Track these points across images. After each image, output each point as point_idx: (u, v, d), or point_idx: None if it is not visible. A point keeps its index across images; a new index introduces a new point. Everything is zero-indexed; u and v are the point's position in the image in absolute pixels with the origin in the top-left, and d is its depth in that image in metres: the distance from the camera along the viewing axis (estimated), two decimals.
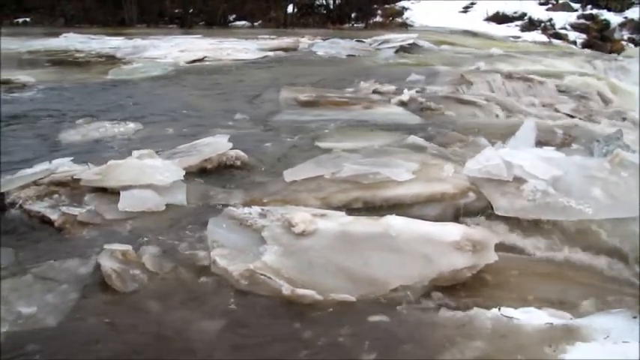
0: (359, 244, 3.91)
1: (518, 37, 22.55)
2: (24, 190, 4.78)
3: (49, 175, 5.00)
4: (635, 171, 5.01)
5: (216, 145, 5.81)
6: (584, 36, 23.45)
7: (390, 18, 26.84)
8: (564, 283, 3.80)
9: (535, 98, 9.71)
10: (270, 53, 14.87)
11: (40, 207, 4.57)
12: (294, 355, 3.01)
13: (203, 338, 3.13)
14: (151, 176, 4.88)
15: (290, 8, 26.72)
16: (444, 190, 4.80)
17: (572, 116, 8.70)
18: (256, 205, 4.49)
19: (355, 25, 26.59)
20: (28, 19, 25.68)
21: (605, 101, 10.30)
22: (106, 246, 3.83)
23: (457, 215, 4.69)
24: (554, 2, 26.57)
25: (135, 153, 5.36)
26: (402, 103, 8.41)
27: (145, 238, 4.14)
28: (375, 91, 9.15)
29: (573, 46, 21.77)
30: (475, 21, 25.24)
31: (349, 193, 4.76)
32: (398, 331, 3.21)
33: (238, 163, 5.68)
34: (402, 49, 15.42)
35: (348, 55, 14.66)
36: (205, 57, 13.59)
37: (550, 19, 24.75)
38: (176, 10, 26.78)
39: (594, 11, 25.19)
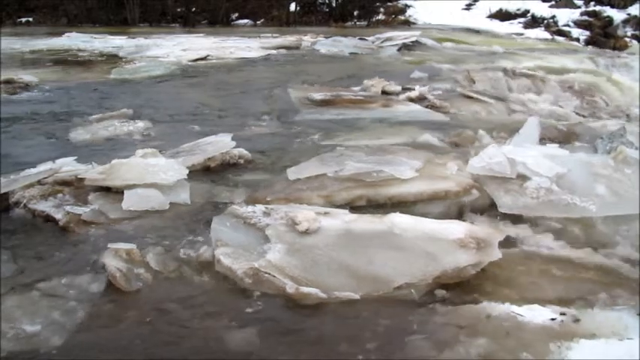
0: (363, 242, 3.91)
1: (522, 35, 22.49)
2: (28, 189, 4.78)
3: (53, 174, 5.01)
4: (638, 168, 5.01)
5: (220, 144, 5.82)
6: (587, 33, 23.36)
7: (393, 16, 26.79)
8: (568, 280, 3.79)
9: (538, 95, 9.70)
10: (273, 51, 14.86)
11: (45, 206, 4.58)
12: (298, 354, 3.01)
13: (209, 337, 3.14)
14: (154, 175, 4.89)
15: (292, 6, 26.69)
16: (447, 187, 4.81)
17: (575, 113, 8.70)
18: (260, 204, 4.50)
19: (358, 23, 26.56)
20: (30, 19, 25.69)
21: (609, 98, 10.27)
22: (110, 245, 3.83)
23: (461, 213, 4.69)
24: None
25: (139, 152, 5.37)
26: (412, 100, 8.42)
27: (149, 237, 4.15)
28: (384, 91, 9.13)
29: (576, 43, 21.71)
30: (478, 18, 25.17)
31: (353, 191, 4.76)
32: (402, 328, 3.21)
33: (242, 161, 5.70)
34: (405, 47, 15.41)
35: (351, 53, 14.65)
36: (208, 56, 13.58)
37: (553, 16, 24.68)
38: (178, 9, 26.77)
39: (597, 8, 25.11)
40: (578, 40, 22.64)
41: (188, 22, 25.42)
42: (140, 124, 7.23)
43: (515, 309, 3.34)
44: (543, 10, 25.35)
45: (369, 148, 5.90)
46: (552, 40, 21.74)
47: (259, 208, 4.37)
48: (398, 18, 26.48)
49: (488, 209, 4.73)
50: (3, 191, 4.76)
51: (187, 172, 5.05)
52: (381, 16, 27.08)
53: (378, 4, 27.55)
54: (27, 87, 9.75)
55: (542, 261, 4.08)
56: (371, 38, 16.88)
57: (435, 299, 3.52)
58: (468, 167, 5.14)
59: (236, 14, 27.11)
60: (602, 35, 23.20)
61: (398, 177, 4.91)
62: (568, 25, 24.10)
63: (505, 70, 10.69)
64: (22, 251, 4.02)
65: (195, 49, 14.71)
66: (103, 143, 6.51)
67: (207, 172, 5.44)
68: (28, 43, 16.19)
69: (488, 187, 4.87)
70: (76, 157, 5.41)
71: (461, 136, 6.36)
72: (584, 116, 8.59)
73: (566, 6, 25.57)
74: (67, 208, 4.52)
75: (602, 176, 4.95)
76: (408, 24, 25.04)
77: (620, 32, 23.22)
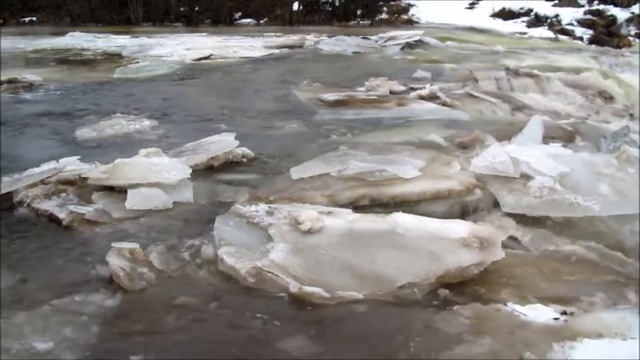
0: (366, 242, 3.91)
1: (525, 34, 22.47)
2: (32, 188, 4.80)
3: (56, 173, 5.02)
4: None
5: (223, 143, 5.83)
6: (590, 32, 23.33)
7: (396, 15, 26.78)
8: (572, 279, 3.79)
9: (542, 94, 9.69)
10: (277, 51, 14.88)
11: (48, 205, 4.59)
12: (301, 353, 3.01)
13: (212, 339, 3.14)
14: (158, 174, 4.89)
15: (295, 6, 26.70)
16: (450, 187, 4.81)
17: (579, 112, 8.68)
18: (263, 203, 4.50)
19: (361, 22, 26.57)
20: (34, 18, 25.75)
21: (612, 97, 10.26)
22: (113, 244, 3.84)
23: (464, 212, 4.69)
24: None
25: (142, 151, 5.37)
26: (422, 98, 8.44)
27: (153, 237, 4.16)
28: (390, 90, 9.11)
29: (580, 42, 21.68)
30: (481, 17, 25.16)
31: (356, 191, 4.76)
32: (405, 328, 3.21)
33: (245, 160, 5.71)
34: (408, 46, 15.41)
35: (355, 53, 14.65)
36: (211, 55, 13.60)
37: (556, 15, 24.64)
38: (182, 9, 26.81)
39: (601, 7, 25.07)
40: (581, 39, 22.61)
41: (191, 22, 25.46)
42: (146, 123, 7.25)
43: (518, 308, 3.34)
44: (547, 9, 25.32)
45: (411, 144, 6.00)
46: (555, 39, 21.72)
47: (262, 207, 4.37)
48: (401, 17, 26.47)
49: (492, 209, 4.73)
50: (7, 190, 4.78)
51: (190, 171, 5.06)
52: (384, 16, 27.08)
53: (381, 3, 27.56)
54: (30, 86, 9.77)
55: (545, 260, 4.08)
56: (374, 37, 16.88)
57: (438, 299, 3.52)
58: (471, 167, 5.13)
59: (239, 13, 27.14)
60: (606, 34, 23.15)
61: (401, 176, 4.91)
62: (571, 24, 24.06)
63: (508, 69, 10.68)
64: (26, 251, 4.04)
65: (199, 48, 14.74)
66: (108, 142, 6.52)
67: (210, 171, 5.44)
68: (31, 43, 16.23)
69: (491, 186, 4.87)
70: (79, 157, 5.42)
71: (467, 136, 6.34)
72: (587, 115, 8.58)
73: (569, 5, 25.53)
74: (71, 207, 4.53)
75: (606, 175, 4.95)
76: (411, 23, 25.04)
77: (623, 31, 23.18)
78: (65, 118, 7.72)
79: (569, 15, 24.66)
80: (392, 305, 3.41)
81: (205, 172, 5.39)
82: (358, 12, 27.19)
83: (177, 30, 21.94)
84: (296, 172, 5.19)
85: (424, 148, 5.92)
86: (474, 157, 5.36)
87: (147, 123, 7.28)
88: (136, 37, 17.47)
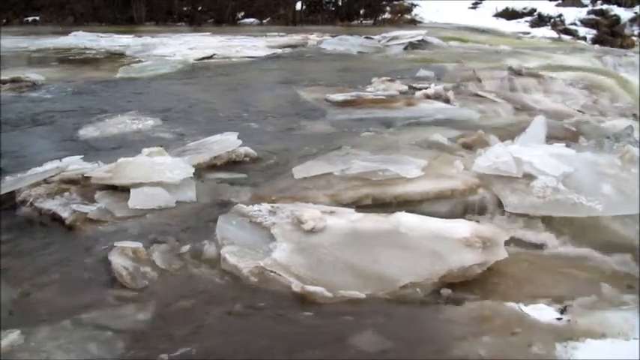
0: (368, 241, 3.91)
1: (528, 33, 22.45)
2: (35, 188, 4.80)
3: (59, 173, 5.02)
4: None
5: (226, 143, 5.83)
6: (594, 32, 23.31)
7: (399, 14, 26.78)
8: (575, 279, 3.79)
9: (545, 94, 9.67)
10: (279, 50, 14.89)
11: (51, 205, 4.59)
12: (303, 351, 3.01)
13: (217, 338, 3.15)
14: (160, 174, 4.90)
15: (298, 5, 26.71)
16: (453, 186, 4.80)
17: (582, 112, 8.66)
18: (266, 202, 4.50)
19: (364, 21, 26.58)
20: (37, 18, 25.79)
21: (616, 97, 10.23)
22: (116, 243, 3.85)
23: (467, 212, 4.68)
24: None
25: (145, 151, 5.37)
26: (428, 97, 8.43)
27: (155, 236, 4.16)
28: (400, 91, 9.09)
29: (583, 42, 21.66)
30: (484, 17, 25.15)
31: (359, 190, 4.76)
32: (407, 327, 3.21)
33: (247, 160, 5.71)
34: (411, 46, 15.40)
35: (358, 52, 14.64)
36: (214, 54, 13.61)
37: (560, 15, 24.62)
38: (185, 8, 26.84)
39: (604, 7, 25.04)
40: (585, 38, 22.59)
41: (194, 21, 25.49)
42: (149, 122, 7.26)
43: (521, 308, 3.34)
44: (550, 9, 25.30)
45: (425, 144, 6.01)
46: (559, 38, 21.70)
47: (265, 206, 4.37)
48: (404, 17, 26.48)
49: (495, 209, 4.72)
50: (10, 190, 4.79)
51: (193, 170, 5.06)
52: (387, 15, 27.09)
53: (384, 2, 27.57)
54: (33, 86, 9.79)
55: (548, 260, 4.07)
56: (377, 37, 16.88)
57: (440, 298, 3.52)
58: (474, 166, 5.13)
59: (242, 13, 27.16)
60: (609, 34, 23.13)
61: (404, 176, 4.90)
62: (575, 24, 24.03)
63: (511, 69, 10.66)
64: (28, 250, 4.05)
65: (202, 47, 14.76)
66: (111, 141, 6.53)
67: (213, 170, 5.44)
68: (34, 42, 16.27)
69: (494, 186, 4.86)
70: (82, 156, 5.43)
71: (470, 136, 6.32)
72: (590, 115, 8.55)
73: (572, 5, 25.50)
74: (74, 206, 4.53)
75: (609, 176, 4.93)
76: (414, 23, 25.04)
77: (627, 31, 23.15)
78: (68, 117, 7.73)
79: (572, 15, 24.64)
80: (394, 305, 3.41)
81: (208, 171, 5.39)
82: (361, 12, 27.21)
83: (180, 29, 21.96)
84: (299, 172, 5.19)
85: (427, 147, 5.91)
86: (477, 156, 5.35)
87: (150, 122, 7.29)
88: (139, 37, 17.50)
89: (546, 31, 22.86)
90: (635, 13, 24.18)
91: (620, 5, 25.05)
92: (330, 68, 11.86)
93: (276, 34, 19.12)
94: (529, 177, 4.88)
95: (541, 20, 24.60)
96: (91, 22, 24.26)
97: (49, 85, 9.94)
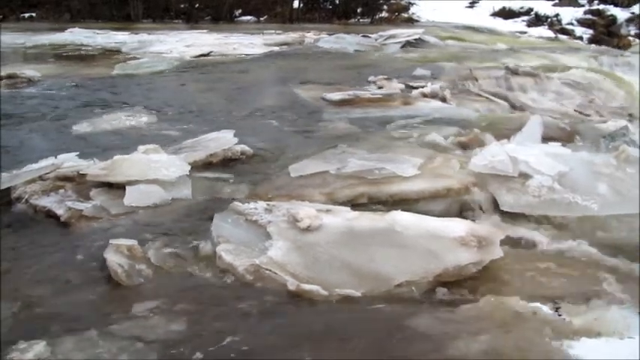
0: (364, 240, 3.91)
1: (525, 33, 22.48)
2: (30, 184, 4.79)
3: (54, 169, 5.01)
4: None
5: (222, 140, 5.82)
6: (590, 31, 23.35)
7: (396, 13, 26.75)
8: (570, 278, 3.79)
9: (541, 94, 9.69)
10: (276, 48, 14.86)
11: (46, 202, 4.58)
12: (298, 350, 3.01)
13: (211, 337, 3.14)
14: (156, 171, 4.89)
15: (296, 3, 26.68)
16: (449, 185, 4.81)
17: (578, 112, 8.68)
18: (262, 200, 4.49)
19: (361, 20, 26.54)
20: (33, 14, 25.70)
21: (612, 97, 10.25)
22: (111, 241, 3.83)
23: (462, 211, 4.69)
24: None
25: (140, 148, 5.37)
26: (425, 96, 8.43)
27: (151, 233, 4.15)
28: (397, 90, 9.07)
29: (580, 42, 21.69)
30: (481, 16, 25.17)
31: (354, 189, 4.76)
32: (403, 326, 3.21)
33: (244, 157, 5.70)
34: (408, 45, 15.39)
35: (355, 51, 14.63)
36: (211, 52, 13.59)
37: (557, 15, 24.66)
38: (182, 6, 26.75)
39: (601, 7, 25.08)
40: (581, 38, 22.63)
41: (191, 19, 25.40)
42: (144, 119, 7.25)
43: (516, 307, 3.34)
44: (547, 9, 25.34)
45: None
46: (555, 38, 21.73)
47: (261, 204, 4.36)
48: (401, 15, 26.45)
49: (490, 207, 4.73)
50: (5, 186, 4.77)
51: (189, 168, 5.05)
52: (384, 14, 27.05)
53: (381, 1, 27.53)
54: (29, 82, 9.76)
55: (543, 259, 4.07)
56: (374, 36, 16.86)
57: (435, 297, 3.52)
58: (470, 165, 5.13)
59: (239, 11, 27.09)
60: (606, 34, 23.17)
61: (400, 175, 4.91)
62: (571, 24, 24.07)
63: (508, 69, 10.67)
64: (22, 246, 4.04)
65: (199, 45, 14.72)
66: (106, 137, 6.52)
67: (209, 168, 5.43)
68: (31, 39, 16.19)
69: (490, 185, 4.87)
70: (77, 153, 5.41)
71: (466, 135, 6.32)
72: (586, 115, 8.57)
73: (569, 4, 25.54)
74: (69, 203, 4.53)
75: (605, 175, 4.95)
76: (411, 22, 25.02)
77: (623, 31, 23.20)
78: (63, 113, 7.71)
79: (569, 14, 24.68)
80: (389, 303, 3.41)
81: (204, 168, 5.38)
82: (358, 10, 27.16)
83: (177, 27, 21.89)
84: (295, 170, 5.19)
85: (423, 146, 5.91)
86: (473, 155, 5.35)
87: (146, 119, 7.28)
88: (136, 34, 17.44)
89: (543, 31, 22.90)
90: (632, 13, 24.22)
91: (616, 5, 25.09)
92: (327, 67, 11.84)
93: (273, 32, 19.08)
94: (525, 176, 4.89)
95: (538, 20, 24.64)
96: (88, 19, 24.17)
97: (45, 81, 9.91)
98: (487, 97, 8.78)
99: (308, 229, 3.95)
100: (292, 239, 3.88)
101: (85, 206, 4.49)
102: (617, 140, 5.69)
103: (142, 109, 7.79)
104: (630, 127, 6.42)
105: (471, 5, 27.40)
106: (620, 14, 24.40)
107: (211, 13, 26.33)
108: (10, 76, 9.78)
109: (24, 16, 25.49)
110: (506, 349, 2.96)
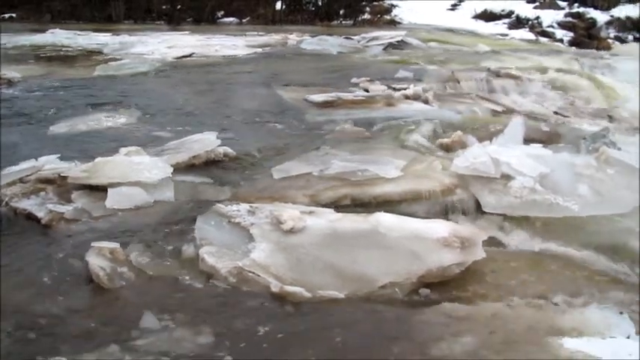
0: (347, 241, 3.91)
1: (506, 35, 22.59)
2: (10, 187, 4.74)
3: (35, 172, 4.96)
4: (620, 168, 5.06)
5: (205, 142, 5.80)
6: (571, 34, 23.51)
7: (379, 15, 26.79)
8: (553, 278, 3.82)
9: (522, 96, 9.76)
10: (259, 50, 14.82)
11: (27, 204, 4.53)
12: (282, 352, 3.00)
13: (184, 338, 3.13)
14: (138, 173, 4.86)
15: (278, 5, 26.65)
16: (432, 187, 4.82)
17: (559, 113, 8.76)
18: (244, 202, 4.48)
19: (343, 22, 26.54)
20: (14, 15, 25.44)
21: (592, 99, 10.34)
22: (93, 244, 3.80)
23: (445, 212, 4.71)
24: (542, 0, 26.65)
25: (122, 150, 5.33)
26: (407, 98, 8.45)
27: (133, 236, 4.13)
28: (380, 92, 9.06)
29: (560, 44, 21.83)
30: (463, 19, 25.26)
31: (338, 190, 4.76)
32: (386, 327, 3.21)
33: (226, 159, 5.68)
34: (390, 47, 15.43)
35: (337, 52, 14.64)
36: (193, 53, 13.53)
37: (537, 17, 24.81)
38: (164, 7, 26.60)
39: (581, 9, 25.27)
40: (561, 41, 22.78)
41: (173, 20, 25.26)
42: (123, 120, 7.20)
43: (499, 307, 3.36)
44: (528, 11, 25.47)
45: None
46: (536, 40, 21.86)
47: (244, 206, 4.35)
48: (383, 18, 26.48)
49: (473, 209, 4.75)
50: None
51: (172, 170, 5.02)
52: (366, 16, 27.07)
53: (364, 3, 27.55)
54: (9, 83, 9.65)
55: (526, 260, 4.10)
56: (356, 37, 16.88)
57: (419, 298, 3.53)
58: (452, 167, 5.15)
59: (222, 12, 26.98)
60: (586, 36, 23.35)
61: (383, 176, 4.92)
62: (552, 26, 24.23)
63: (489, 71, 10.73)
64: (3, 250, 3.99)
65: (181, 46, 14.64)
66: (86, 139, 6.45)
67: (192, 170, 5.40)
68: (11, 39, 16.01)
69: (472, 186, 4.89)
70: (58, 155, 5.36)
71: (449, 137, 6.34)
72: (567, 117, 8.64)
73: (550, 7, 25.72)
74: (50, 206, 4.48)
75: (585, 176, 5.00)
76: (393, 24, 25.06)
77: (603, 34, 23.40)
78: (44, 115, 7.62)
79: (549, 17, 24.84)
80: (373, 304, 3.42)
81: (187, 171, 5.35)
82: (341, 12, 27.17)
83: (159, 28, 21.76)
84: (278, 172, 5.18)
85: (406, 148, 5.93)
86: (456, 157, 5.37)
87: (128, 120, 7.22)
88: (117, 35, 17.31)
89: (524, 33, 23.01)
90: (612, 16, 24.46)
91: (596, 8, 25.31)
92: (310, 68, 11.83)
93: (256, 33, 19.03)
94: (507, 177, 4.92)
95: (519, 22, 24.77)
96: (69, 20, 23.97)
97: (26, 82, 9.81)
98: (469, 99, 8.81)
99: (291, 231, 3.95)
100: (275, 241, 3.88)
101: (66, 209, 4.45)
102: (597, 142, 5.73)
103: (124, 111, 7.72)
104: (610, 129, 6.49)
105: (453, 8, 27.50)
106: (600, 17, 24.60)
107: (193, 15, 26.20)
108: None
109: (4, 17, 25.21)
110: (489, 350, 2.98)
